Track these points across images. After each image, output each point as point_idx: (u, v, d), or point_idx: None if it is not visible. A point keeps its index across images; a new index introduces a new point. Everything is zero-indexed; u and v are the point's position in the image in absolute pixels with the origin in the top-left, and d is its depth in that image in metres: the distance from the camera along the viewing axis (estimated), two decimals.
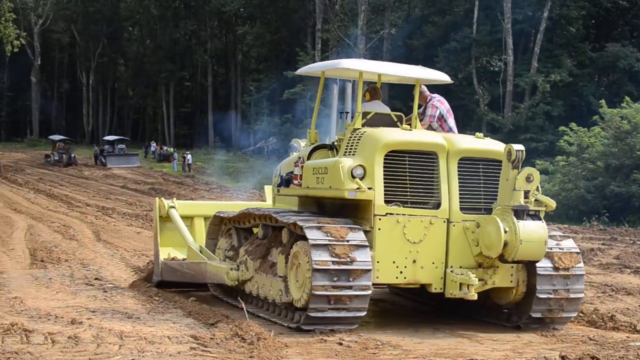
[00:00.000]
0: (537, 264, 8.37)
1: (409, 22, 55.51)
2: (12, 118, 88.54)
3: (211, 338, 7.36)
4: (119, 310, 9.25)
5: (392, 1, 53.95)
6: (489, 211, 8.35)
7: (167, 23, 77.94)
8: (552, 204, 8.19)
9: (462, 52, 47.69)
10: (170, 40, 79.93)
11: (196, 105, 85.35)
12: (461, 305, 9.14)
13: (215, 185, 42.07)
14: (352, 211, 8.57)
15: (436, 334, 8.34)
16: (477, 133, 9.12)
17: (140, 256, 15.09)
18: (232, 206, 11.46)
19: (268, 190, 12.10)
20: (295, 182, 9.46)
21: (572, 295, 8.61)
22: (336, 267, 7.77)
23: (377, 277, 8.23)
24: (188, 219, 11.62)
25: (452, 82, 10.15)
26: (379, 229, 8.22)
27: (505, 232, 7.95)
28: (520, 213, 7.97)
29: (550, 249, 8.40)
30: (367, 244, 8.02)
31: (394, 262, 8.28)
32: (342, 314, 7.95)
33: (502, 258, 8.13)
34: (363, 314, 8.08)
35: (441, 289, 8.47)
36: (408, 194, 8.41)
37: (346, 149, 8.73)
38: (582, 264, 8.76)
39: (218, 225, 10.84)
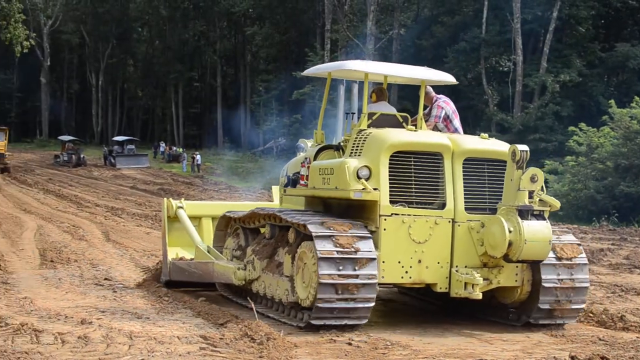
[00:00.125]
0: None
1: (418, 22, 55.41)
2: (22, 119, 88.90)
3: (221, 338, 7.39)
4: (129, 310, 9.29)
5: (402, 1, 53.89)
6: (493, 211, 8.40)
7: (176, 24, 78.08)
8: (557, 204, 8.25)
9: (471, 53, 47.63)
10: (180, 41, 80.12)
11: (205, 105, 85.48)
12: (466, 304, 9.18)
13: (224, 185, 42.07)
14: (358, 212, 8.64)
15: (445, 334, 8.36)
16: (482, 134, 9.16)
17: (149, 256, 15.09)
18: (240, 206, 11.52)
19: (275, 190, 12.15)
20: (302, 182, 9.51)
21: (577, 285, 8.67)
22: (341, 255, 7.86)
23: (383, 277, 8.28)
24: (196, 219, 11.70)
25: (457, 83, 10.20)
26: (385, 229, 8.28)
27: (510, 232, 8.01)
28: (525, 213, 8.03)
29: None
30: (369, 235, 8.10)
31: (399, 262, 8.34)
32: (351, 304, 7.97)
33: (506, 258, 8.18)
34: (371, 304, 8.09)
35: (446, 288, 8.52)
36: (413, 194, 8.46)
37: (352, 149, 8.79)
38: (584, 255, 8.85)
39: (224, 230, 10.92)
